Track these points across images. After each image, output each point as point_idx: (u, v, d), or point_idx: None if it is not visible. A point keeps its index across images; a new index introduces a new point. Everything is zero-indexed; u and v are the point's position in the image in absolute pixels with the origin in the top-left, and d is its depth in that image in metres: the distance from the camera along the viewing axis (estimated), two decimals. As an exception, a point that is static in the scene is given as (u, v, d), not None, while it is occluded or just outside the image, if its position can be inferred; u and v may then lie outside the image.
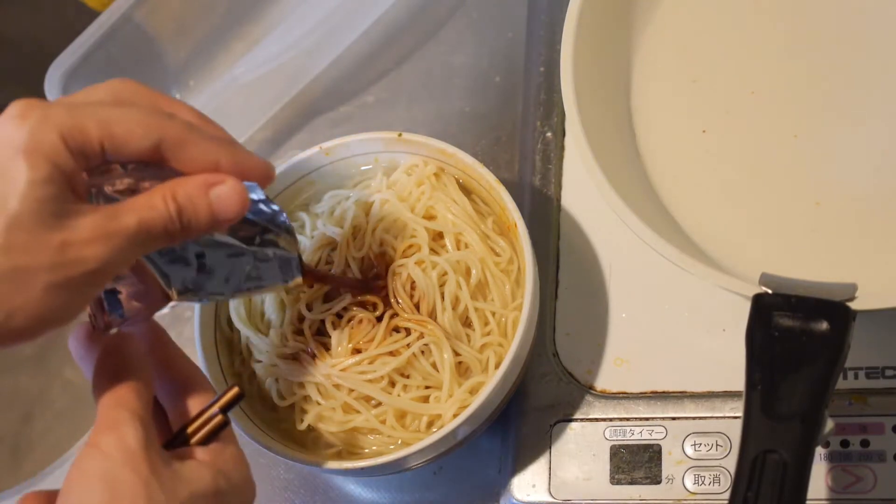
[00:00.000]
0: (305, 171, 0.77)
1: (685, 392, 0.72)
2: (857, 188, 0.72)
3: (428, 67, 0.91)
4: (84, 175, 0.56)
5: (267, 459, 0.79)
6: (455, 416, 0.68)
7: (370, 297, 0.71)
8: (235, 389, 0.59)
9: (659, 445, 0.71)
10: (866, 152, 0.73)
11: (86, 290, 0.54)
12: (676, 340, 0.74)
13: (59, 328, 0.54)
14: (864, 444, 0.68)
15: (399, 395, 0.69)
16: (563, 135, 0.82)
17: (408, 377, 0.70)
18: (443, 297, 0.70)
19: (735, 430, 0.60)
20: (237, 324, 0.73)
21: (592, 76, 0.75)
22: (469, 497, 0.76)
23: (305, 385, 0.71)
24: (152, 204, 0.55)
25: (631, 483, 0.71)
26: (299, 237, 0.75)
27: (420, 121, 0.89)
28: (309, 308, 0.72)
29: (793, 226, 0.72)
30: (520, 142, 0.84)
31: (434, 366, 0.69)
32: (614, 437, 0.72)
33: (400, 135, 0.75)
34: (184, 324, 0.87)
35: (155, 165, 0.57)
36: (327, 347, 0.71)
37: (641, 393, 0.73)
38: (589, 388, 0.74)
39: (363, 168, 0.77)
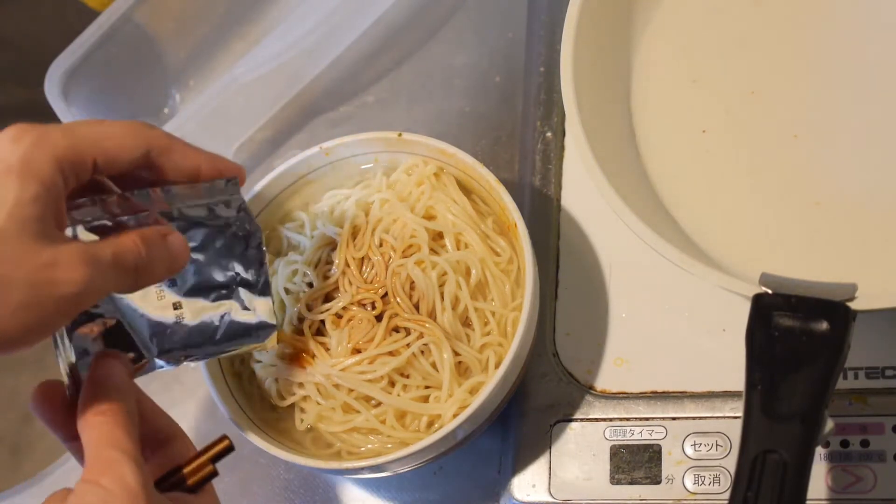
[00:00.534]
0: (305, 171, 0.77)
1: (685, 392, 0.72)
2: (857, 188, 0.72)
3: (428, 67, 0.91)
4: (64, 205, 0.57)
5: (267, 459, 0.79)
6: (455, 416, 0.68)
7: (368, 297, 0.71)
8: (226, 442, 0.60)
9: (659, 445, 0.71)
10: (866, 152, 0.72)
11: (57, 315, 0.54)
12: (676, 340, 0.74)
13: (21, 350, 0.55)
14: (864, 444, 0.68)
15: (399, 395, 0.69)
16: (563, 135, 0.82)
17: (407, 377, 0.70)
18: (442, 297, 0.70)
19: (735, 430, 0.60)
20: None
21: (592, 76, 0.75)
22: (469, 497, 0.76)
23: (305, 385, 0.71)
24: (124, 241, 0.58)
25: (631, 483, 0.71)
26: (299, 237, 0.75)
27: (420, 121, 0.89)
28: (309, 308, 0.72)
29: (793, 226, 0.72)
30: (520, 142, 0.84)
31: (434, 366, 0.69)
32: (614, 437, 0.72)
33: (400, 135, 0.75)
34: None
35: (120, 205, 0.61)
36: (327, 347, 0.71)
37: (641, 393, 0.73)
38: (589, 388, 0.74)
39: (363, 168, 0.77)
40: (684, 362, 0.73)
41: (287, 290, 0.73)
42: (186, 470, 0.59)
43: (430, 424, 0.70)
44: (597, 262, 0.77)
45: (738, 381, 0.60)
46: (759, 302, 0.61)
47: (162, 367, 0.65)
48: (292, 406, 0.72)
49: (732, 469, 0.59)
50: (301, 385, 0.71)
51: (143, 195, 0.62)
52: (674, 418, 0.71)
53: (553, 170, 0.81)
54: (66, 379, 0.61)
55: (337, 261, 0.73)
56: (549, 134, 0.82)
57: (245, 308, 0.66)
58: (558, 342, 0.76)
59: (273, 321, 0.68)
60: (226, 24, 0.95)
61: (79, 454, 0.59)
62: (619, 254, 0.77)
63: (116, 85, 0.92)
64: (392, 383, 0.70)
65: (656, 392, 0.73)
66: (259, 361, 0.73)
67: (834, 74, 0.75)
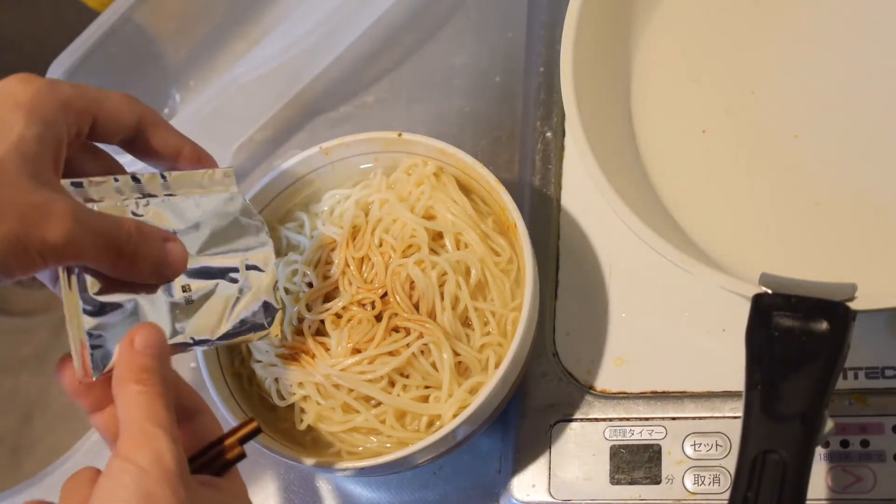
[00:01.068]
0: (305, 171, 0.77)
1: (685, 392, 0.72)
2: (857, 188, 0.72)
3: (428, 67, 0.91)
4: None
5: (267, 459, 0.79)
6: (455, 416, 0.68)
7: (368, 297, 0.71)
8: (254, 424, 0.60)
9: (659, 445, 0.71)
10: (866, 152, 0.72)
11: (38, 257, 0.55)
12: (676, 340, 0.74)
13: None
14: (864, 444, 0.68)
15: (399, 395, 0.69)
16: (563, 135, 0.82)
17: (407, 377, 0.70)
18: (442, 297, 0.70)
19: (735, 430, 0.60)
20: (237, 324, 0.73)
21: (592, 76, 0.75)
22: (469, 497, 0.76)
23: (305, 385, 0.71)
24: (119, 222, 0.59)
25: (631, 483, 0.71)
26: (299, 237, 0.75)
27: (420, 121, 0.89)
28: (308, 308, 0.72)
29: (793, 226, 0.72)
30: (520, 142, 0.84)
31: (434, 366, 0.69)
32: (614, 437, 0.72)
33: (400, 135, 0.75)
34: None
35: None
36: (327, 347, 0.71)
37: (641, 393, 0.73)
38: (589, 388, 0.74)
39: (363, 168, 0.77)
40: (684, 362, 0.73)
41: (287, 290, 0.73)
42: (214, 452, 0.59)
43: (430, 424, 0.70)
44: (597, 262, 0.77)
45: (738, 381, 0.60)
46: (759, 302, 0.61)
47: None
48: (292, 406, 0.72)
49: (732, 469, 0.59)
50: (301, 385, 0.71)
51: (150, 179, 0.64)
52: (674, 418, 0.71)
53: (553, 170, 0.81)
54: (75, 351, 0.60)
55: (337, 261, 0.73)
56: (549, 134, 0.82)
57: (248, 291, 0.66)
58: (558, 342, 0.76)
59: (277, 305, 0.67)
60: (226, 24, 0.95)
61: (104, 428, 0.59)
62: (619, 254, 0.77)
63: (116, 85, 0.91)
64: (392, 383, 0.70)
65: (656, 392, 0.73)
66: (259, 361, 0.73)
67: (834, 74, 0.75)
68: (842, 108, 0.74)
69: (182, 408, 0.60)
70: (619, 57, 0.78)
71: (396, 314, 0.70)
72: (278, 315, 0.68)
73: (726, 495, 0.63)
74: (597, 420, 0.73)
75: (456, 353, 0.69)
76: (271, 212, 0.77)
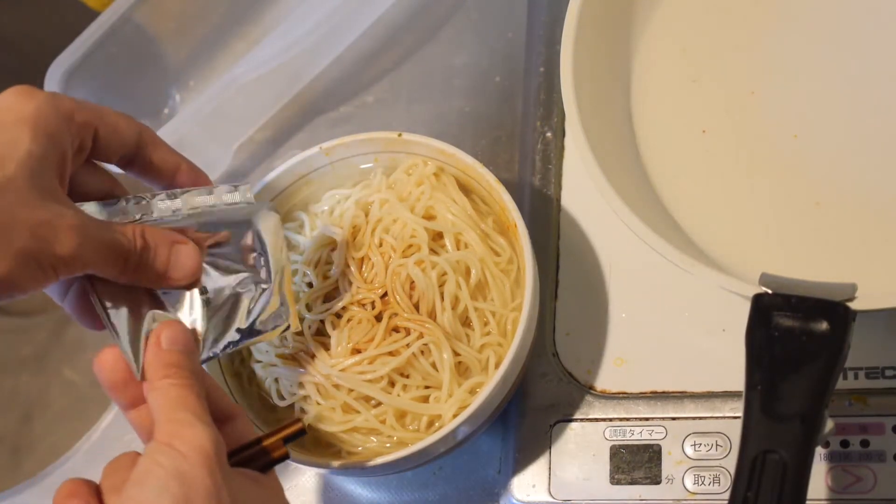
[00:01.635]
0: (305, 171, 0.77)
1: (685, 392, 0.72)
2: (857, 188, 0.72)
3: (428, 67, 0.91)
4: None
5: (267, 459, 0.79)
6: (455, 416, 0.68)
7: (368, 297, 0.71)
8: (300, 424, 0.60)
9: (659, 445, 0.71)
10: (866, 152, 0.72)
11: (51, 270, 0.56)
12: (676, 340, 0.74)
13: (15, 295, 0.56)
14: (864, 444, 0.68)
15: (399, 395, 0.69)
16: (563, 135, 0.82)
17: (407, 377, 0.70)
18: (442, 297, 0.70)
19: (735, 430, 0.60)
20: (237, 324, 0.73)
21: (592, 76, 0.75)
22: (469, 497, 0.76)
23: (305, 385, 0.71)
24: (124, 230, 0.59)
25: (631, 483, 0.71)
26: (298, 237, 0.75)
27: (420, 121, 0.89)
28: (308, 308, 0.72)
29: (793, 226, 0.72)
30: (520, 142, 0.84)
31: (434, 366, 0.69)
32: (614, 437, 0.72)
33: (400, 135, 0.75)
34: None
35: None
36: (327, 347, 0.71)
37: (641, 393, 0.73)
38: (589, 388, 0.74)
39: (363, 168, 0.77)
40: (684, 362, 0.73)
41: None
42: (257, 449, 0.58)
43: (430, 424, 0.70)
44: (597, 262, 0.77)
45: (738, 381, 0.60)
46: (759, 302, 0.61)
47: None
48: (292, 406, 0.72)
49: (732, 469, 0.59)
50: (301, 385, 0.71)
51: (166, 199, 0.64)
52: (674, 418, 0.71)
53: (553, 170, 0.81)
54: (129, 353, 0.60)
55: (337, 261, 0.73)
56: (549, 134, 0.82)
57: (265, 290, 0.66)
58: (558, 342, 0.76)
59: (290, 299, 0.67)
60: (226, 24, 0.95)
61: (138, 425, 0.59)
62: (619, 254, 0.77)
63: (116, 85, 0.92)
64: (392, 383, 0.70)
65: (656, 392, 0.73)
66: (259, 361, 0.73)
67: (834, 74, 0.75)
68: (842, 108, 0.74)
69: (217, 412, 0.59)
70: (619, 57, 0.78)
71: (396, 314, 0.70)
72: (293, 309, 0.67)
73: (726, 495, 0.63)
74: (597, 420, 0.73)
75: (456, 353, 0.69)
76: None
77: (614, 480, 0.71)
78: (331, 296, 0.73)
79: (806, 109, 0.74)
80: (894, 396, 0.69)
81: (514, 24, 0.89)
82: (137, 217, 0.63)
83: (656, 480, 0.70)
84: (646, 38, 0.79)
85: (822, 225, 0.71)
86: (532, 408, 0.74)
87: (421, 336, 0.69)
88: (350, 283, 0.72)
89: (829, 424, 0.59)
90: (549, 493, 0.72)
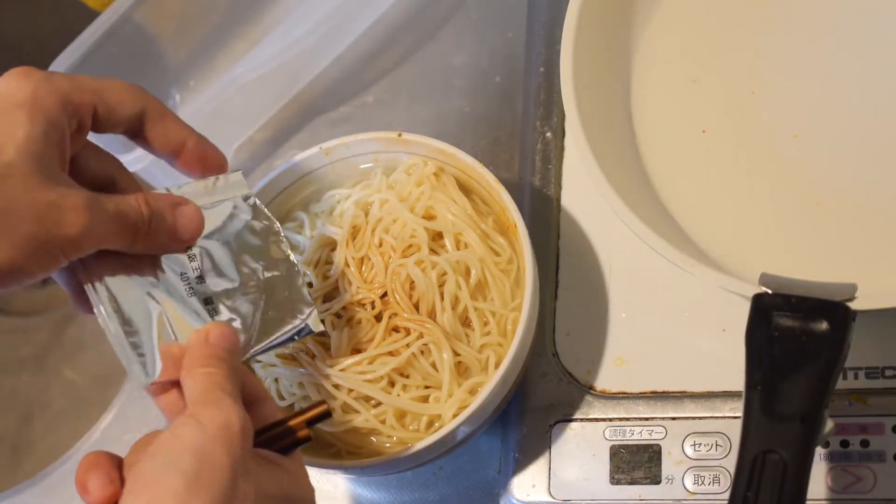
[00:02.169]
0: (305, 171, 0.77)
1: (685, 392, 0.72)
2: (857, 188, 0.72)
3: (428, 67, 0.91)
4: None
5: (267, 459, 0.79)
6: (455, 416, 0.68)
7: (367, 297, 0.71)
8: (324, 406, 0.59)
9: (659, 445, 0.71)
10: (866, 152, 0.73)
11: (59, 255, 0.56)
12: (676, 340, 0.74)
13: (25, 282, 0.56)
14: (864, 444, 0.68)
15: (399, 395, 0.69)
16: (563, 135, 0.82)
17: (407, 377, 0.70)
18: (442, 297, 0.70)
19: (735, 430, 0.60)
20: (237, 324, 0.73)
21: (592, 76, 0.75)
22: (469, 497, 0.76)
23: (305, 385, 0.71)
24: (128, 201, 0.60)
25: (631, 483, 0.71)
26: (298, 237, 0.75)
27: (420, 121, 0.89)
28: (309, 308, 0.72)
29: (793, 226, 0.72)
30: (520, 142, 0.84)
31: (434, 366, 0.69)
32: (614, 437, 0.72)
33: (400, 135, 0.75)
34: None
35: None
36: (326, 347, 0.71)
37: (641, 393, 0.73)
38: (589, 388, 0.74)
39: (363, 168, 0.77)
40: (684, 362, 0.73)
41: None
42: (280, 430, 0.58)
43: (430, 424, 0.70)
44: (597, 262, 0.77)
45: (738, 381, 0.60)
46: (759, 302, 0.61)
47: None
48: (292, 406, 0.72)
49: (732, 469, 0.59)
50: (301, 385, 0.71)
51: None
52: (674, 418, 0.71)
53: (553, 170, 0.81)
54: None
55: (337, 261, 0.73)
56: (549, 134, 0.82)
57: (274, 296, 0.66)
58: (558, 342, 0.76)
59: (308, 298, 0.67)
60: (226, 24, 0.95)
61: (167, 408, 0.60)
62: (619, 254, 0.77)
63: (116, 85, 0.92)
64: (392, 383, 0.70)
65: (656, 392, 0.73)
66: (259, 361, 0.73)
67: (834, 74, 0.75)
68: (842, 108, 0.74)
69: (246, 394, 0.59)
70: (619, 57, 0.78)
71: (396, 314, 0.70)
72: (314, 312, 0.67)
73: (726, 495, 0.63)
74: (597, 420, 0.73)
75: (456, 353, 0.69)
76: (271, 212, 0.77)
77: (614, 480, 0.71)
78: (331, 296, 0.72)
79: (806, 109, 0.74)
80: (894, 396, 0.69)
81: (514, 24, 0.89)
82: None
83: (656, 480, 0.70)
84: (646, 38, 0.79)
85: (822, 225, 0.71)
86: (532, 408, 0.74)
87: (421, 336, 0.69)
88: (350, 283, 0.72)
89: (829, 424, 0.59)
90: (549, 493, 0.72)
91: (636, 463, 0.71)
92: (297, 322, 0.66)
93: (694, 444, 0.70)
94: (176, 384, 0.59)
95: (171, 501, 0.49)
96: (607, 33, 0.77)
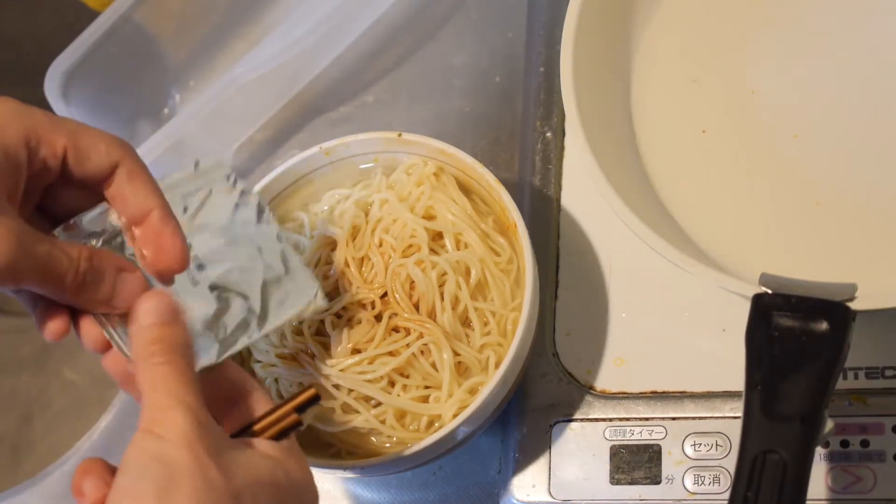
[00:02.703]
0: (305, 171, 0.77)
1: (685, 392, 0.72)
2: (857, 188, 0.72)
3: (428, 67, 0.91)
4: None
5: (267, 459, 0.79)
6: (455, 416, 0.68)
7: (367, 297, 0.71)
8: (312, 391, 0.59)
9: (659, 445, 0.71)
10: (866, 152, 0.73)
11: None
12: (676, 340, 0.74)
13: None
14: (864, 444, 0.68)
15: (399, 395, 0.69)
16: (563, 135, 0.82)
17: (407, 377, 0.70)
18: (442, 297, 0.70)
19: (735, 430, 0.60)
20: (237, 324, 0.73)
21: (592, 76, 0.75)
22: (469, 497, 0.76)
23: (305, 385, 0.71)
24: (69, 251, 0.57)
25: (631, 483, 0.71)
26: (298, 237, 0.75)
27: (420, 121, 0.89)
28: (309, 308, 0.72)
29: (793, 226, 0.72)
30: (520, 142, 0.84)
31: (433, 366, 0.69)
32: (614, 437, 0.72)
33: (400, 135, 0.75)
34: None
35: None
36: (326, 347, 0.71)
37: (641, 393, 0.73)
38: (589, 388, 0.74)
39: (363, 168, 0.77)
40: (684, 362, 0.73)
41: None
42: (267, 420, 0.58)
43: (429, 424, 0.70)
44: (597, 262, 0.77)
45: (738, 381, 0.60)
46: (759, 302, 0.61)
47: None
48: (292, 406, 0.72)
49: (732, 469, 0.59)
50: (301, 385, 0.71)
51: None
52: (674, 418, 0.71)
53: (553, 170, 0.81)
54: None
55: (337, 261, 0.73)
56: (549, 134, 0.82)
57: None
58: (558, 342, 0.76)
59: (313, 281, 0.67)
60: (226, 24, 0.95)
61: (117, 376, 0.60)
62: (619, 254, 0.77)
63: (116, 85, 0.92)
64: (392, 383, 0.70)
65: (656, 392, 0.73)
66: (259, 362, 0.73)
67: (834, 74, 0.75)
68: (842, 108, 0.74)
69: (230, 389, 0.59)
70: (619, 57, 0.78)
71: (396, 314, 0.70)
72: (319, 289, 0.67)
73: (726, 495, 0.63)
74: (597, 420, 0.73)
75: (456, 353, 0.69)
76: (271, 211, 0.77)
77: (614, 480, 0.71)
78: (331, 296, 0.72)
79: (806, 109, 0.74)
80: (894, 396, 0.69)
81: (514, 24, 0.89)
82: (98, 230, 0.61)
83: (656, 480, 0.70)
84: (646, 38, 0.79)
85: (822, 225, 0.71)
86: (532, 408, 0.74)
87: (421, 336, 0.69)
88: (350, 283, 0.72)
89: (829, 424, 0.59)
90: (549, 493, 0.72)
91: (636, 463, 0.71)
92: (303, 300, 0.66)
93: (694, 444, 0.70)
94: None
95: None
96: (607, 33, 0.77)
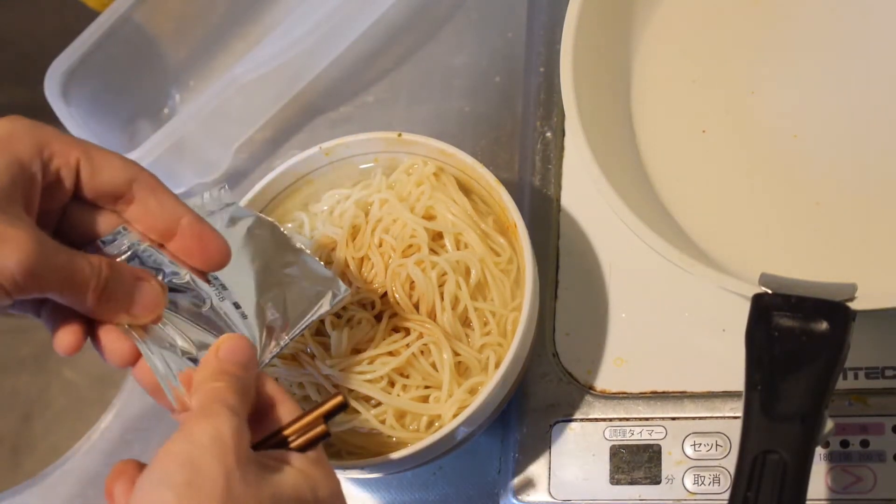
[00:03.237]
0: (305, 171, 0.77)
1: (685, 392, 0.72)
2: (857, 188, 0.72)
3: (428, 67, 0.91)
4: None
5: (267, 459, 0.79)
6: (455, 416, 0.68)
7: (367, 297, 0.71)
8: (339, 398, 0.56)
9: (659, 445, 0.71)
10: (866, 152, 0.72)
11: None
12: (676, 340, 0.74)
13: None
14: (864, 444, 0.68)
15: (399, 396, 0.69)
16: (563, 135, 0.82)
17: (407, 377, 0.70)
18: (442, 297, 0.70)
19: (735, 430, 0.60)
20: (237, 324, 0.73)
21: (592, 76, 0.75)
22: (469, 497, 0.76)
23: (305, 385, 0.71)
24: (91, 259, 0.57)
25: (631, 483, 0.71)
26: (298, 237, 0.75)
27: (420, 121, 0.89)
28: (309, 308, 0.72)
29: (793, 226, 0.72)
30: (520, 142, 0.84)
31: (433, 366, 0.69)
32: (614, 437, 0.72)
33: (400, 135, 0.75)
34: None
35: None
36: (326, 347, 0.71)
37: (641, 393, 0.73)
38: (589, 388, 0.74)
39: (363, 168, 0.77)
40: (684, 362, 0.73)
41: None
42: (293, 429, 0.56)
43: (429, 424, 0.70)
44: (597, 262, 0.77)
45: (738, 381, 0.60)
46: (759, 302, 0.61)
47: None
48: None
49: (732, 469, 0.59)
50: (301, 385, 0.71)
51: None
52: (674, 418, 0.71)
53: (553, 170, 0.81)
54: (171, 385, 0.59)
55: (337, 261, 0.73)
56: (549, 134, 0.82)
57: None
58: (558, 342, 0.76)
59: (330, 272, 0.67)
60: (226, 24, 0.95)
61: None
62: (619, 254, 0.77)
63: (116, 85, 0.92)
64: (392, 383, 0.70)
65: (656, 392, 0.73)
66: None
67: (834, 74, 0.75)
68: (842, 108, 0.74)
69: (262, 398, 0.58)
70: (619, 57, 0.78)
71: (396, 314, 0.70)
72: (337, 280, 0.67)
73: (726, 495, 0.63)
74: (597, 420, 0.73)
75: (456, 353, 0.69)
76: (271, 212, 0.77)
77: (614, 480, 0.71)
78: (331, 296, 0.73)
79: (806, 109, 0.74)
80: (894, 396, 0.69)
81: (514, 24, 0.89)
82: (115, 254, 0.61)
83: (656, 480, 0.70)
84: (646, 38, 0.79)
85: (822, 225, 0.71)
86: (532, 408, 0.74)
87: (421, 336, 0.69)
88: (350, 284, 0.72)
89: (829, 424, 0.59)
90: (549, 493, 0.72)
91: (636, 463, 0.71)
92: (327, 295, 0.66)
93: (694, 444, 0.70)
94: None
95: None
96: (607, 33, 0.77)
